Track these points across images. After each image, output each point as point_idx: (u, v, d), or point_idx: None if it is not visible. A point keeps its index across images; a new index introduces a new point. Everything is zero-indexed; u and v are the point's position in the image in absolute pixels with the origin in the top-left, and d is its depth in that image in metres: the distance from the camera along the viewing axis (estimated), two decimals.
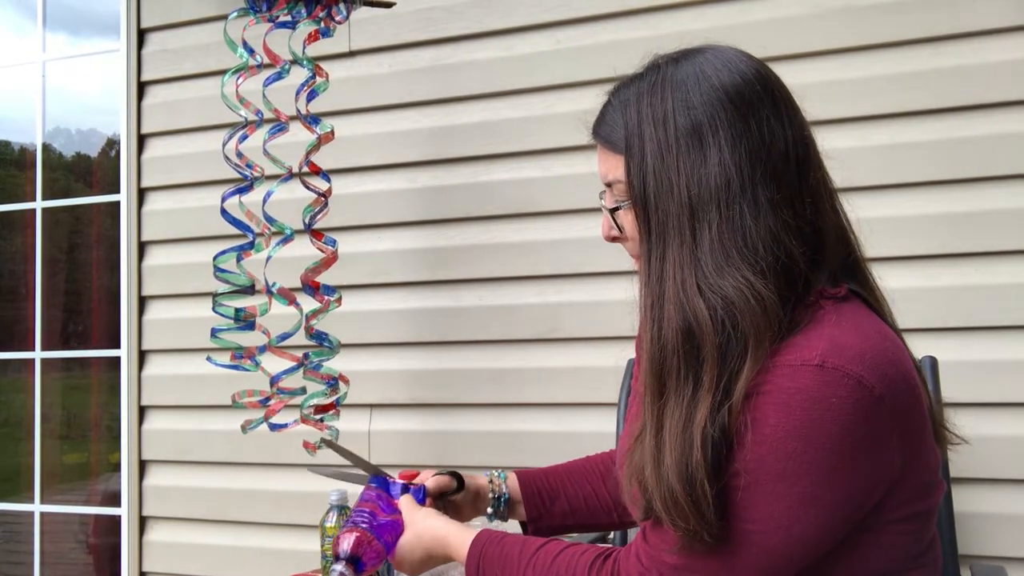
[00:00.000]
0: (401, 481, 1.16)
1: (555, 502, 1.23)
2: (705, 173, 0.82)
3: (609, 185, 0.93)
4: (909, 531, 0.84)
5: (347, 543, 1.04)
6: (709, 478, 0.77)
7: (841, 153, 1.76)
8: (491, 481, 1.23)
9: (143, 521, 2.29)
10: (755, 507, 0.78)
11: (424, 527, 1.04)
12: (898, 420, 0.78)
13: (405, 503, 1.10)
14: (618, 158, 0.89)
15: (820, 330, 0.79)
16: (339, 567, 1.03)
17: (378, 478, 1.17)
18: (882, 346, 0.79)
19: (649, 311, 0.84)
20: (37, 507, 2.52)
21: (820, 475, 0.76)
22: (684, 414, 0.80)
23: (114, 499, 2.34)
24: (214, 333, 1.64)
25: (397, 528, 1.09)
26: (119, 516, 2.31)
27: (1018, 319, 1.60)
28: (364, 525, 1.06)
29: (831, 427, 0.75)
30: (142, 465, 2.30)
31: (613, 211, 0.93)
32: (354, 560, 1.04)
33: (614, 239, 0.96)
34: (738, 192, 0.81)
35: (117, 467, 2.33)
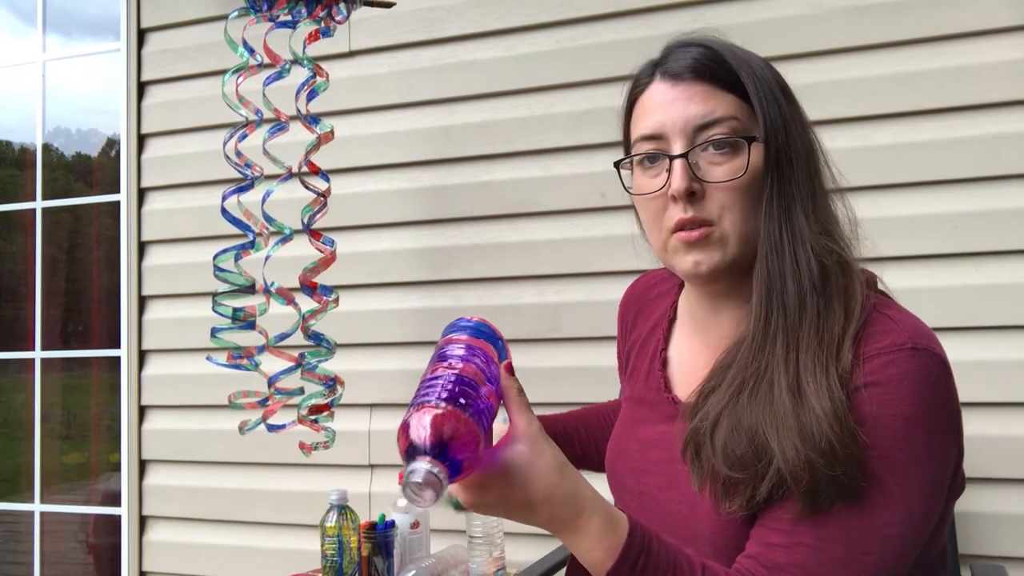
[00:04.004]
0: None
1: (570, 447, 1.21)
2: (808, 132, 0.87)
3: (703, 128, 0.82)
4: (941, 530, 0.84)
5: (425, 427, 0.59)
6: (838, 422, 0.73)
7: (841, 153, 1.76)
8: None
9: (143, 521, 2.29)
10: (889, 508, 0.73)
11: (573, 477, 0.71)
12: (958, 399, 0.80)
13: (514, 396, 0.73)
14: (726, 96, 0.83)
15: (887, 315, 0.80)
16: (423, 465, 0.58)
17: (483, 327, 0.74)
18: (930, 329, 0.81)
19: (769, 255, 0.81)
20: (37, 507, 2.52)
21: (940, 458, 0.76)
22: (811, 365, 0.76)
23: (114, 499, 2.34)
24: (214, 333, 1.64)
25: (493, 416, 0.65)
26: (119, 516, 2.31)
27: (1018, 319, 1.60)
28: (462, 401, 0.61)
29: (940, 408, 0.76)
30: (142, 465, 2.30)
31: (722, 146, 0.82)
32: (444, 453, 0.59)
33: (691, 193, 0.82)
34: (819, 158, 0.87)
35: (117, 467, 2.33)
